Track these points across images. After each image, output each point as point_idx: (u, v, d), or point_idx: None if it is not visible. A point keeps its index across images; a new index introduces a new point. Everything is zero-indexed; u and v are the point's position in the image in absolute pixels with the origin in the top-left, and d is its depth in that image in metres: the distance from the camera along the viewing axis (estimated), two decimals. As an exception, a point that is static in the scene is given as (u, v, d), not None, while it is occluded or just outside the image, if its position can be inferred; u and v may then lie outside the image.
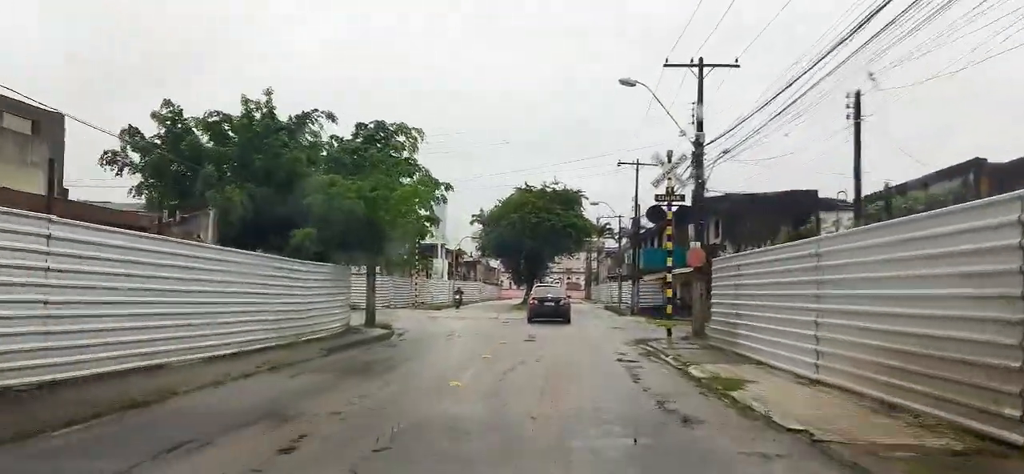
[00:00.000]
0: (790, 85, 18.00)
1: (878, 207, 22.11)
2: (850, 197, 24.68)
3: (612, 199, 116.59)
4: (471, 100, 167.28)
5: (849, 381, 10.38)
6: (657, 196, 20.38)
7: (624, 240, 67.16)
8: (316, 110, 23.27)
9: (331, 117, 23.19)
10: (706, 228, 25.01)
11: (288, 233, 21.06)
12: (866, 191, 22.90)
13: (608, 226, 69.21)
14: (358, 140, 26.16)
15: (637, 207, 46.77)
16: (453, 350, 18.80)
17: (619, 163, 46.28)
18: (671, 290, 21.09)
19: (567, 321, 32.61)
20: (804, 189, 38.29)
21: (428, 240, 65.76)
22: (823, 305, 11.37)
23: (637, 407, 9.92)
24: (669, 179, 20.19)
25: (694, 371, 13.57)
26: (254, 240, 21.25)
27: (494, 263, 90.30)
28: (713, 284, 18.90)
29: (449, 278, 69.65)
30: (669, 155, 20.65)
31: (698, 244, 23.79)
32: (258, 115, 23.13)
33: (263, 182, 22.32)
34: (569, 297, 38.11)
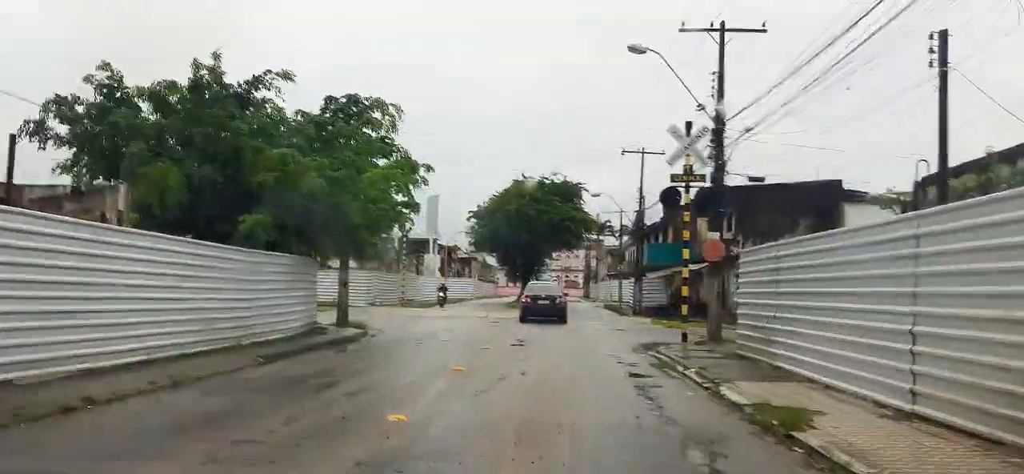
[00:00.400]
0: (847, 30, 14.68)
1: (962, 184, 18.31)
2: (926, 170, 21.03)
3: (618, 192, 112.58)
4: (469, 97, 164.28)
5: (972, 419, 7.05)
6: (673, 176, 17.00)
7: (625, 237, 63.64)
8: (269, 72, 19.84)
9: (288, 76, 19.75)
10: (725, 218, 21.62)
11: (239, 219, 17.89)
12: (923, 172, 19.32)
13: (608, 223, 65.57)
14: (326, 115, 22.74)
15: (642, 199, 43.34)
16: (422, 358, 15.40)
17: (623, 151, 42.77)
18: (687, 288, 17.68)
19: (563, 321, 29.55)
20: (827, 179, 35.11)
21: (415, 234, 62.62)
22: (926, 308, 7.99)
23: (669, 466, 6.51)
24: (687, 156, 16.78)
25: (730, 393, 10.21)
26: (197, 226, 18.05)
27: (491, 260, 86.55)
28: (741, 280, 15.56)
29: (441, 274, 66.23)
30: (688, 127, 17.22)
31: (717, 235, 20.47)
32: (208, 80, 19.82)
33: (208, 159, 19.01)
34: (566, 295, 34.82)
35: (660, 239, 50.78)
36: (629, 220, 57.14)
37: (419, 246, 68.06)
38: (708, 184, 17.79)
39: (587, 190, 52.52)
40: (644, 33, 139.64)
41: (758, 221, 32.79)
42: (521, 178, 52.82)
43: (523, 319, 29.68)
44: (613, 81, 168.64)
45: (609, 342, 21.10)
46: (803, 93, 17.80)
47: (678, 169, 16.78)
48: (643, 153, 42.58)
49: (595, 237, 72.67)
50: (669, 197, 16.95)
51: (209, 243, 15.18)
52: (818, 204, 33.50)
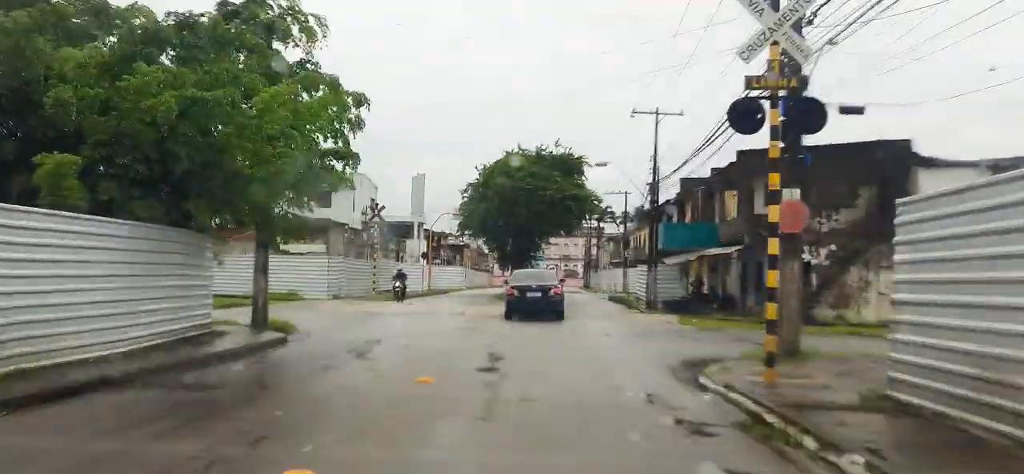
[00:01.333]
0: None
1: None
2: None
3: (615, 182, 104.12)
4: (469, 94, 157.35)
5: None
6: (749, 80, 9.66)
7: (630, 222, 56.23)
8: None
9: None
10: (808, 165, 14.17)
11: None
12: None
13: (609, 208, 57.95)
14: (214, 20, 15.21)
15: (656, 169, 35.84)
16: (285, 418, 7.86)
17: (633, 112, 35.33)
18: (774, 275, 10.16)
19: (560, 318, 23.03)
20: (893, 139, 27.90)
21: (399, 216, 55.15)
22: None
23: None
24: (773, 46, 9.41)
25: None
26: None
27: (483, 246, 78.69)
28: (899, 257, 8.28)
29: (425, 261, 58.94)
30: (775, -6, 9.75)
31: (796, 193, 13.17)
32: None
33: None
34: (563, 283, 27.76)
35: (676, 219, 43.64)
36: (634, 203, 49.80)
37: (404, 231, 60.95)
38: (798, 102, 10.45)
39: (590, 164, 44.87)
40: (644, 29, 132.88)
41: (809, 186, 25.69)
42: (516, 150, 45.13)
43: (508, 316, 23.12)
44: (614, 80, 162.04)
45: (632, 358, 13.90)
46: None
47: (761, 66, 9.52)
48: (657, 114, 35.23)
49: (597, 223, 65.13)
50: (744, 115, 9.67)
51: None
52: (883, 170, 26.80)
